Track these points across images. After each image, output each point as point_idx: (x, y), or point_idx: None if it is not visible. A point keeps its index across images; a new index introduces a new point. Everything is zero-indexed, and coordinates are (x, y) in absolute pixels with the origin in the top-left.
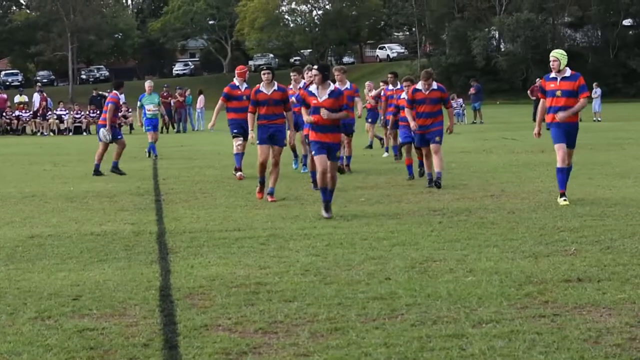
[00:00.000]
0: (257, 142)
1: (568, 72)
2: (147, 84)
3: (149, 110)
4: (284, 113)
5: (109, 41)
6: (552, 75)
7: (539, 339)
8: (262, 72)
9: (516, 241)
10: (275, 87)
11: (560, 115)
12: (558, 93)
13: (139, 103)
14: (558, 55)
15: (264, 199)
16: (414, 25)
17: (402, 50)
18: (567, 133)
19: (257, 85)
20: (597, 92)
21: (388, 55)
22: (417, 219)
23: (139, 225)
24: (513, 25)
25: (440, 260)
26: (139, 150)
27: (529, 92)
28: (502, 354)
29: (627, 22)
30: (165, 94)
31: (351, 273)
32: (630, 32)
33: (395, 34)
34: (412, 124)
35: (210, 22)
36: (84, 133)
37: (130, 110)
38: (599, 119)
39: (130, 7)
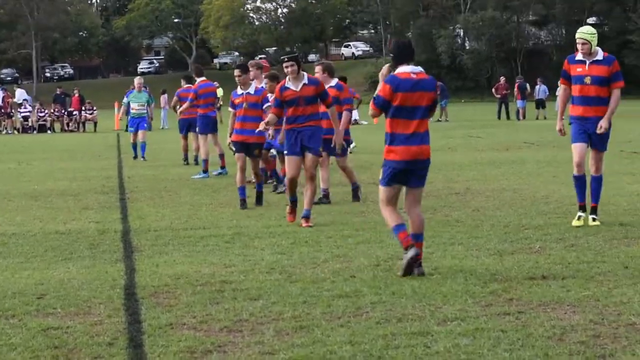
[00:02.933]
0: (285, 152)
1: (600, 55)
2: (137, 80)
3: (133, 109)
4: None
5: (74, 39)
6: (579, 57)
7: (504, 336)
8: (284, 65)
9: (481, 239)
10: (305, 81)
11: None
12: (587, 80)
13: (125, 99)
14: (587, 37)
15: (296, 223)
16: (379, 24)
17: (367, 49)
18: (593, 132)
19: (283, 81)
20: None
21: (353, 54)
22: (381, 217)
23: (104, 224)
24: (478, 24)
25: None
26: (105, 148)
27: (493, 90)
28: (466, 352)
29: (591, 20)
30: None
31: (316, 271)
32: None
33: (361, 32)
34: None
35: (176, 20)
36: (49, 131)
37: (94, 108)
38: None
39: (95, 4)
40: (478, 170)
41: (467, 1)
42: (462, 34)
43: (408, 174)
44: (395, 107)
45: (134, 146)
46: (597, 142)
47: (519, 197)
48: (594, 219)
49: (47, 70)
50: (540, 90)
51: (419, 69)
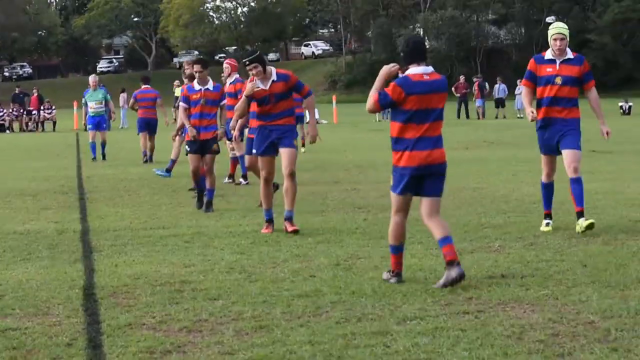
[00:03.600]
0: (255, 152)
1: (570, 53)
2: (92, 78)
3: (91, 108)
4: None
5: (32, 38)
6: (548, 56)
7: (463, 335)
8: (247, 68)
9: None
10: (274, 77)
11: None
12: (558, 80)
13: (83, 99)
14: (564, 32)
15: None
16: (339, 23)
17: (327, 48)
18: (563, 134)
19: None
20: (520, 89)
21: (313, 53)
22: (341, 216)
23: (63, 224)
24: (437, 23)
25: (365, 257)
26: (64, 148)
27: (453, 89)
28: (426, 351)
29: (550, 19)
30: None
31: (276, 271)
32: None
33: (320, 31)
34: None
35: (135, 19)
36: (7, 131)
37: (53, 107)
38: (522, 115)
39: (54, 4)
40: None
41: (427, 0)
42: (422, 33)
43: (421, 181)
44: (408, 111)
45: (93, 146)
46: (570, 142)
47: (478, 196)
48: (586, 220)
49: (5, 69)
50: (500, 89)
51: (431, 69)
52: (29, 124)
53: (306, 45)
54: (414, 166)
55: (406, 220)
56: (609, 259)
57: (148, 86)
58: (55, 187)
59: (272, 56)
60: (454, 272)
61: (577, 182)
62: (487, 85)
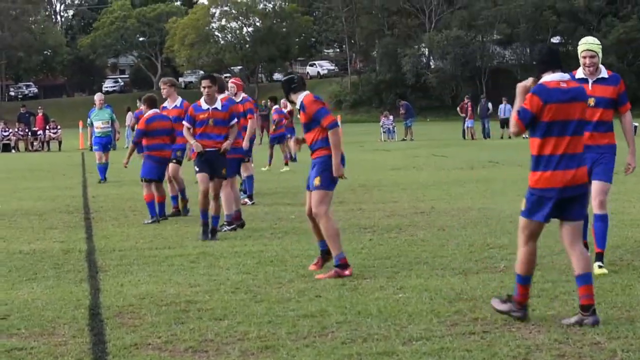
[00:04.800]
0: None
1: (604, 72)
2: (97, 97)
3: (97, 128)
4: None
5: (38, 57)
6: (580, 75)
7: (469, 356)
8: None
9: (446, 258)
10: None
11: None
12: (591, 102)
13: (88, 120)
14: (595, 48)
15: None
16: (344, 43)
17: (333, 68)
18: (596, 162)
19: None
20: None
21: (318, 72)
22: (347, 236)
23: (69, 244)
24: (442, 43)
25: (370, 277)
26: (69, 167)
27: (458, 109)
28: None
29: (555, 39)
30: None
31: (282, 291)
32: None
33: (326, 51)
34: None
35: (141, 39)
36: (13, 151)
37: (59, 127)
38: (527, 136)
39: (60, 23)
40: (443, 190)
41: (432, 20)
42: (427, 53)
43: (565, 204)
44: (546, 123)
45: (100, 167)
46: (601, 173)
47: (483, 216)
48: (600, 267)
49: (11, 89)
50: (506, 109)
51: (567, 76)
52: (35, 143)
53: (311, 65)
54: (559, 187)
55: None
56: (614, 280)
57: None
58: (61, 206)
59: (277, 76)
60: (588, 321)
61: (602, 220)
62: (490, 105)
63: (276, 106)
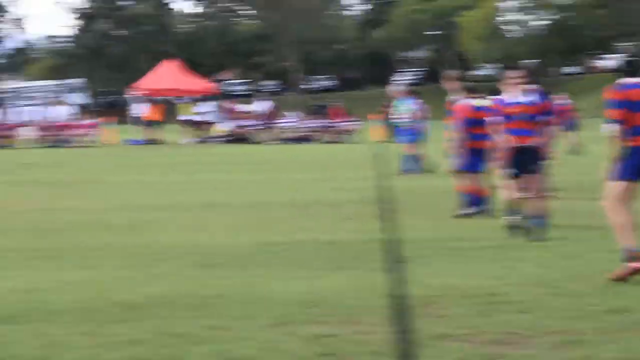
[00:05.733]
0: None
1: None
2: (397, 88)
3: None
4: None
5: (331, 51)
6: None
7: None
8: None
9: None
10: None
11: None
12: None
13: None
14: None
15: None
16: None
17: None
18: None
19: None
20: None
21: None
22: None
23: (367, 234)
24: None
25: None
26: (364, 158)
27: None
28: None
29: None
30: (385, 104)
31: (580, 285)
32: None
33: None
34: None
35: (433, 33)
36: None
37: (355, 119)
38: None
39: (352, 17)
40: None
41: None
42: None
43: None
44: None
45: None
46: None
47: None
48: None
49: (308, 82)
50: None
51: None
52: (328, 135)
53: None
54: None
55: None
56: None
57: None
58: (356, 197)
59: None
60: None
61: None
62: None
63: None
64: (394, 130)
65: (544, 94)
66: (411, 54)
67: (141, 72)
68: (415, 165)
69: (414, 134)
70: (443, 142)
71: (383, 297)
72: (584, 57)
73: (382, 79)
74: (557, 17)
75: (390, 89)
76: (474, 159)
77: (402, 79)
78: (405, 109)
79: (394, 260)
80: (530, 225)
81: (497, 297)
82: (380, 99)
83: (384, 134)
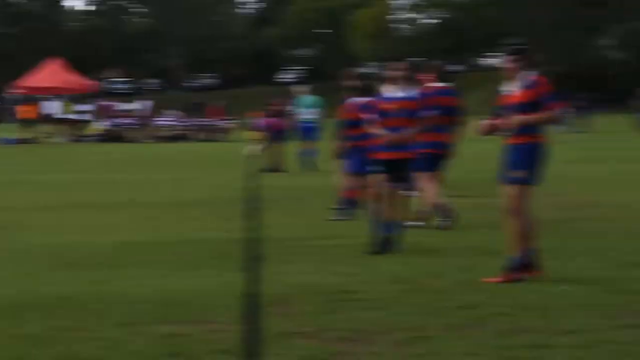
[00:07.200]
0: None
1: None
2: (298, 88)
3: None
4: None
5: (218, 49)
6: None
7: (627, 349)
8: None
9: (609, 250)
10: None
11: None
12: None
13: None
14: None
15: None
16: (527, 34)
17: None
18: None
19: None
20: None
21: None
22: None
23: (232, 232)
24: (628, 34)
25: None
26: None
27: None
28: None
29: None
30: (273, 103)
31: (438, 281)
32: None
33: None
34: None
35: (321, 31)
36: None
37: (231, 117)
38: None
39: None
40: (610, 184)
41: (618, 11)
42: (610, 44)
43: None
44: None
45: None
46: None
47: None
48: None
49: (190, 80)
50: None
51: None
52: (204, 133)
53: (497, 55)
54: None
55: None
56: None
57: None
58: (228, 196)
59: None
60: None
61: None
62: None
63: None
64: (294, 128)
65: (453, 91)
66: (299, 52)
67: (26, 70)
68: (311, 162)
69: (311, 132)
70: (333, 141)
71: (235, 296)
72: (470, 55)
73: (269, 78)
74: (447, 16)
75: (294, 88)
76: (360, 159)
77: (286, 77)
78: (305, 107)
79: (251, 259)
80: (390, 234)
81: (349, 294)
82: (265, 97)
83: (261, 132)
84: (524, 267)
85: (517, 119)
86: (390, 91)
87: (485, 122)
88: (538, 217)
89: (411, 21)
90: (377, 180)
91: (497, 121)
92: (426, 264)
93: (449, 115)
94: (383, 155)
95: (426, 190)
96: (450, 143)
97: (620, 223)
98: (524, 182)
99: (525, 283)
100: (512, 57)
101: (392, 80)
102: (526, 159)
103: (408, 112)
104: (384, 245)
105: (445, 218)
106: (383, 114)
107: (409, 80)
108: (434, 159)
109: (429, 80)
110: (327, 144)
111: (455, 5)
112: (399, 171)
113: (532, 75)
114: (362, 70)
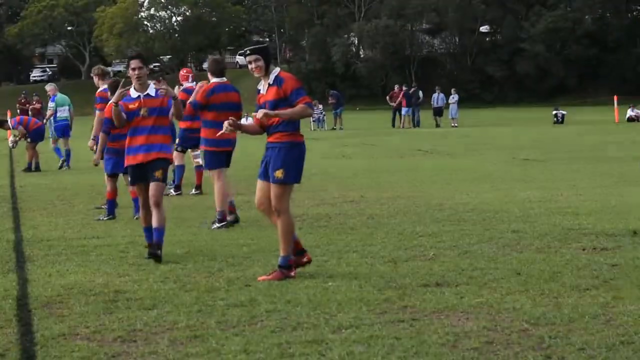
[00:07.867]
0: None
1: None
2: (49, 87)
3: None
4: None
5: None
6: None
7: (398, 343)
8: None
9: (375, 246)
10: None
11: None
12: None
13: (51, 104)
14: None
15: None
16: (274, 32)
17: None
18: None
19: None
20: (454, 97)
21: None
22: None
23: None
24: (372, 32)
25: (300, 266)
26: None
27: (387, 98)
28: (361, 359)
29: (483, 28)
30: (22, 101)
31: (211, 280)
32: (487, 39)
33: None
34: None
35: (69, 28)
36: None
37: None
38: (456, 124)
39: None
40: (372, 178)
41: (362, 9)
42: (356, 42)
43: None
44: None
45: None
46: None
47: (413, 205)
48: None
49: None
50: (439, 98)
51: None
52: None
53: (241, 54)
54: None
55: None
56: (542, 267)
57: None
58: None
59: (206, 65)
60: None
61: None
62: (421, 94)
63: None
64: (45, 126)
65: (233, 87)
66: (48, 49)
67: None
68: (66, 160)
69: (63, 130)
70: (91, 140)
71: (6, 298)
72: (220, 52)
73: (16, 75)
74: (190, 13)
75: (46, 86)
76: (115, 160)
77: (36, 75)
78: (56, 105)
79: (18, 261)
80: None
81: (122, 294)
82: (16, 96)
83: (15, 130)
84: (294, 264)
85: (262, 112)
86: (135, 91)
87: (230, 121)
88: (304, 214)
89: (160, 18)
90: (132, 184)
91: (243, 121)
92: (197, 263)
93: (231, 111)
94: (130, 160)
95: (217, 187)
96: (234, 140)
97: (386, 219)
98: (285, 182)
99: (298, 280)
100: (253, 57)
101: (135, 79)
102: (287, 159)
103: (152, 110)
104: (156, 249)
105: (222, 221)
106: (130, 114)
107: (145, 77)
108: (222, 156)
109: (184, 78)
110: (84, 143)
111: (198, 2)
112: (146, 174)
113: (277, 72)
114: (114, 67)
